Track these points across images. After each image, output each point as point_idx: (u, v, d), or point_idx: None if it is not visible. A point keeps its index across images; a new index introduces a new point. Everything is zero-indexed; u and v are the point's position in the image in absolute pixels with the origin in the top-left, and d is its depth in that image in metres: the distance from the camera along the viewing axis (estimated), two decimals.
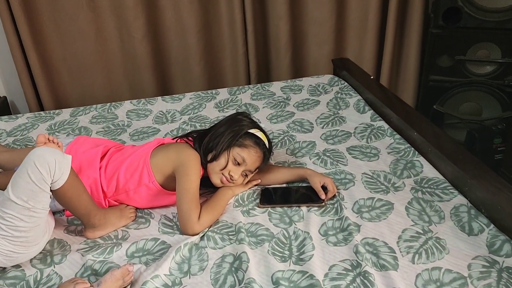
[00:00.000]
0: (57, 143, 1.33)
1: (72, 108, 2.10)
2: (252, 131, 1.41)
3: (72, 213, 1.30)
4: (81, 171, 1.36)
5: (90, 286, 1.05)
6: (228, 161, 1.36)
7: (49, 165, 1.09)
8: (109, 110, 2.06)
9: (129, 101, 2.14)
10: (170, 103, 2.11)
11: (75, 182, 1.19)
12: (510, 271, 1.05)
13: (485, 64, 2.35)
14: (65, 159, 1.14)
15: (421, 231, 1.20)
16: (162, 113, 2.01)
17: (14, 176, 1.10)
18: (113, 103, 2.13)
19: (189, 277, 1.12)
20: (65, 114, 2.05)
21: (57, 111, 2.08)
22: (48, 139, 1.32)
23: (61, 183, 1.13)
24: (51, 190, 1.13)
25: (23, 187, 1.08)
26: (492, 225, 1.19)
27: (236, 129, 1.40)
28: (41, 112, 2.08)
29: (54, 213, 1.36)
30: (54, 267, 1.18)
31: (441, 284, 1.04)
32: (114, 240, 1.27)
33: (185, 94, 2.19)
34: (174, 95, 2.19)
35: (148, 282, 1.09)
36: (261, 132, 1.43)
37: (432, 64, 2.42)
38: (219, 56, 2.65)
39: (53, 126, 1.94)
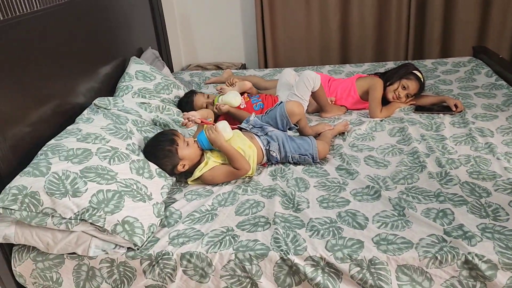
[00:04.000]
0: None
1: None
2: (414, 72, 2.47)
3: (319, 100, 2.47)
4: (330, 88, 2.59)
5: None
6: (399, 86, 2.44)
7: (314, 79, 2.29)
8: None
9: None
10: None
11: (322, 87, 2.38)
12: None
13: None
14: (317, 76, 2.33)
15: None
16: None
17: (296, 84, 2.34)
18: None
19: None
20: None
21: None
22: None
23: (316, 88, 2.33)
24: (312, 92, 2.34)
25: (302, 90, 2.30)
26: None
27: (406, 69, 2.48)
28: None
29: None
30: None
31: None
32: None
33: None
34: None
35: None
36: (420, 73, 2.48)
37: None
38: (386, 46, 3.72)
39: None
